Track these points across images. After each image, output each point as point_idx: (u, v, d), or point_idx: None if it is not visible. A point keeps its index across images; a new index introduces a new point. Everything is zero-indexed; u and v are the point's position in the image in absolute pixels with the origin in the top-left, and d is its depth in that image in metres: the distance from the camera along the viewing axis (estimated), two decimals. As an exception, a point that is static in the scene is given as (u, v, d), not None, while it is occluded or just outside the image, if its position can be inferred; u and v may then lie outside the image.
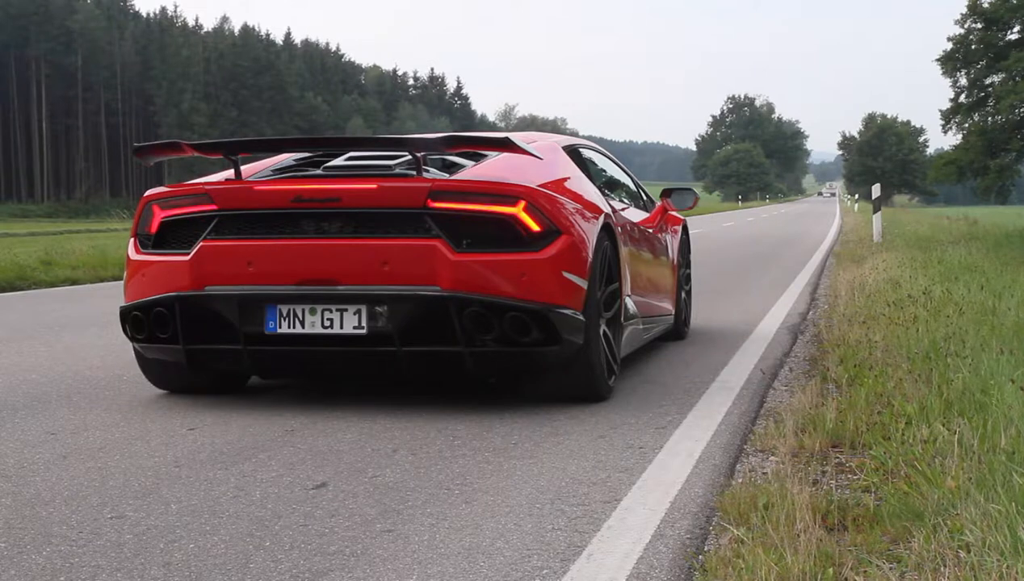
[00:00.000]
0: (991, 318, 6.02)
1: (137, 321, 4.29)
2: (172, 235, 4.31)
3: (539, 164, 4.58)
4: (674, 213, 6.62)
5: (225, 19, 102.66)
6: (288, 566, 2.45)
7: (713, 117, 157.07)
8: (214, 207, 4.19)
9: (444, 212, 4.03)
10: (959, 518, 2.53)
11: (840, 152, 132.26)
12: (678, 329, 6.49)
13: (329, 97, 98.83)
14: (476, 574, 2.40)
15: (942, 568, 2.27)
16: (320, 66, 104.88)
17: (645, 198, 6.41)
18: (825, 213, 52.03)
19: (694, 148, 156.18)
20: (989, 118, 20.30)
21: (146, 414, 4.22)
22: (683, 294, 6.61)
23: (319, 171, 4.45)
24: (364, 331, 4.02)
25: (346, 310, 4.04)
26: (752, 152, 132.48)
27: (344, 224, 4.11)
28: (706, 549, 2.59)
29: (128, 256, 4.44)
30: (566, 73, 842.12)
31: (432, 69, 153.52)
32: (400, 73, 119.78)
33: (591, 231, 4.35)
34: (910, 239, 18.86)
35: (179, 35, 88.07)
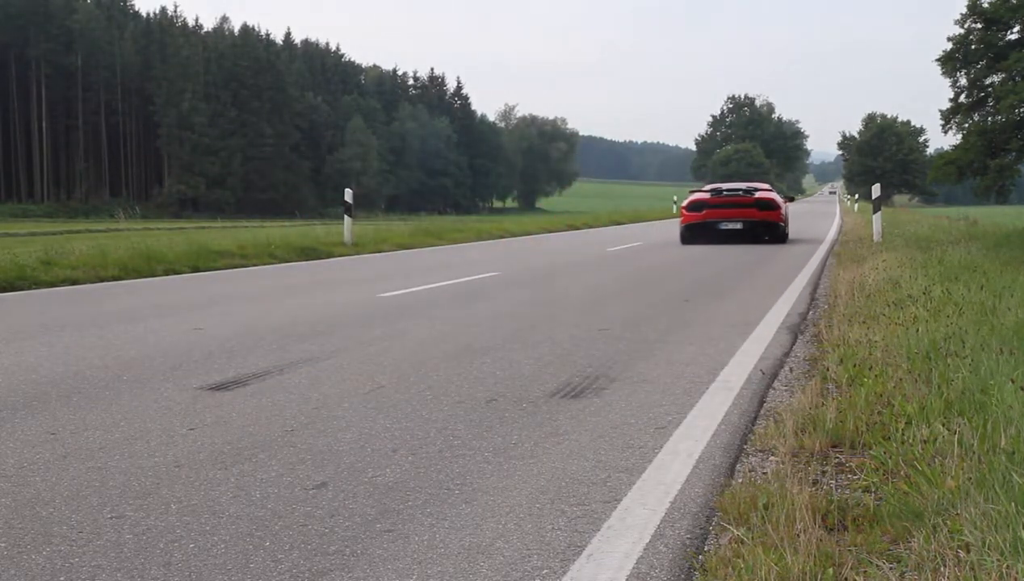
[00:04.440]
0: (991, 318, 6.01)
1: (690, 228, 20.39)
2: (695, 207, 20.53)
3: (773, 190, 22.34)
4: (789, 202, 23.37)
5: (225, 19, 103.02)
6: (288, 566, 2.45)
7: (713, 117, 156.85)
8: (708, 201, 20.47)
9: (759, 204, 20.30)
10: (959, 518, 2.53)
11: (840, 152, 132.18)
12: (785, 235, 21.05)
13: (329, 97, 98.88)
14: (476, 574, 2.40)
15: (942, 568, 2.27)
16: (320, 66, 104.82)
17: (785, 195, 23.48)
18: (825, 213, 51.98)
19: (694, 148, 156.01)
20: (989, 118, 20.28)
21: (146, 414, 4.22)
22: (787, 225, 21.53)
23: (726, 191, 20.90)
24: (741, 228, 20.13)
25: (739, 223, 20.13)
26: (752, 152, 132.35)
27: (739, 207, 20.24)
28: (706, 549, 2.59)
29: (684, 211, 20.75)
30: (566, 73, 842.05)
31: (432, 69, 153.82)
32: (400, 73, 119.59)
33: (784, 208, 21.34)
34: (910, 239, 18.86)
35: (179, 35, 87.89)
